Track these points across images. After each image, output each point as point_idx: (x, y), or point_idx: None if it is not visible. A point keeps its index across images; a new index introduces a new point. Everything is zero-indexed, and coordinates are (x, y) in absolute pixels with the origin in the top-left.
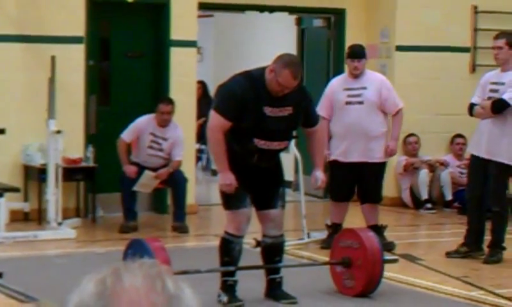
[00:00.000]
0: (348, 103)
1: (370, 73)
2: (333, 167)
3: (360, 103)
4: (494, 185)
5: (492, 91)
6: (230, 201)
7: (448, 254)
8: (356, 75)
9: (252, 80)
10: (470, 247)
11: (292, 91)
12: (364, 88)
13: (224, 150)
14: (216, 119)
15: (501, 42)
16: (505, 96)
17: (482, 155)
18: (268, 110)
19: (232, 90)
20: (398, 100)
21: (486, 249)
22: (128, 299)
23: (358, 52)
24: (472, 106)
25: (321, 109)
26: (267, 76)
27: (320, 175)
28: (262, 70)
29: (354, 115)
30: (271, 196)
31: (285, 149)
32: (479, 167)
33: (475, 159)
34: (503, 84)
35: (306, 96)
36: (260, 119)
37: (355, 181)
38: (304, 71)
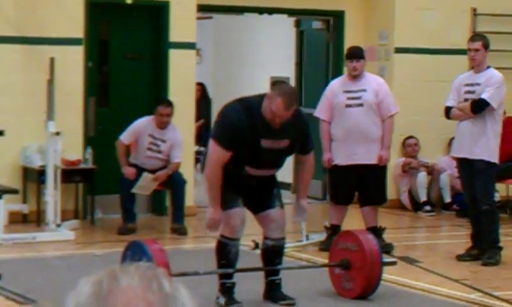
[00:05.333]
0: (348, 106)
1: (369, 76)
2: (334, 171)
3: (360, 105)
4: (480, 184)
5: (468, 92)
6: (222, 202)
7: (460, 257)
8: (355, 76)
9: (249, 110)
10: (480, 250)
11: (290, 122)
12: (363, 90)
13: (220, 186)
14: (215, 151)
15: (478, 44)
16: (485, 96)
17: (465, 155)
18: (264, 143)
19: (229, 120)
20: (392, 106)
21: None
22: (124, 299)
23: (356, 53)
24: (448, 109)
25: (321, 112)
26: (264, 103)
27: (305, 206)
28: (260, 98)
29: (354, 118)
30: (265, 197)
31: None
32: (467, 168)
33: (461, 162)
34: (479, 84)
35: (303, 128)
36: (255, 151)
37: (356, 185)
38: (303, 73)
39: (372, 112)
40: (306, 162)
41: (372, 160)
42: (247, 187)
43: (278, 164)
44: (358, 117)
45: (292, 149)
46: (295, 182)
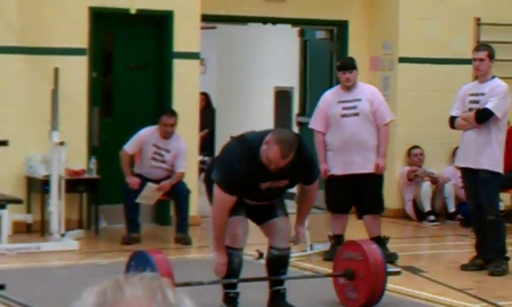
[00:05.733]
0: (344, 115)
1: (362, 85)
2: (330, 181)
3: (356, 115)
4: (485, 194)
5: (472, 102)
6: None
7: (464, 267)
8: (348, 87)
9: (250, 152)
10: (484, 259)
11: (290, 163)
12: (358, 100)
13: (225, 231)
14: (221, 198)
15: (483, 54)
16: (489, 106)
17: (470, 165)
18: (263, 185)
19: (231, 165)
20: (387, 114)
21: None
22: None
23: (348, 64)
24: (452, 119)
25: (316, 123)
26: (263, 147)
27: (301, 233)
28: (261, 138)
29: (350, 127)
30: (267, 208)
31: None
32: (472, 178)
33: (466, 172)
34: (483, 94)
35: (305, 166)
36: (254, 191)
37: (352, 194)
38: (307, 83)
39: (367, 121)
40: (308, 191)
41: (368, 169)
42: (248, 205)
43: (278, 197)
44: (354, 126)
45: (292, 185)
46: (297, 206)
